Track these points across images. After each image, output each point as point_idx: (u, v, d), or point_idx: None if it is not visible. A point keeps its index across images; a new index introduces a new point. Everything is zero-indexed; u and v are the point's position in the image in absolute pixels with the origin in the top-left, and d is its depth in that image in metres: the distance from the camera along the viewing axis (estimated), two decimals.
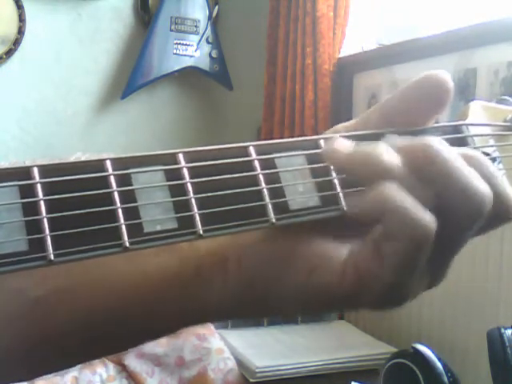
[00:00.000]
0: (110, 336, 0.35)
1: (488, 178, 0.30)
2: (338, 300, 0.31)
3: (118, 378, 1.40)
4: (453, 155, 0.29)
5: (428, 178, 0.29)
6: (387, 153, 0.29)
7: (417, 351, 1.06)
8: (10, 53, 2.10)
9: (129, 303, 0.34)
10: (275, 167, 0.31)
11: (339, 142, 0.31)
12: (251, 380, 1.40)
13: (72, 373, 1.34)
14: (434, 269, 0.31)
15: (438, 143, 0.29)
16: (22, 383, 0.36)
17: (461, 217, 0.29)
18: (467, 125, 0.36)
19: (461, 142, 0.35)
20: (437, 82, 0.32)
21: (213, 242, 0.32)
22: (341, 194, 0.31)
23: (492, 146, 0.37)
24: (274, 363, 1.41)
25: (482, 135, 0.36)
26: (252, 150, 0.30)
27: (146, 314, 0.34)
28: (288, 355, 1.47)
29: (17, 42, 2.10)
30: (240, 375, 1.42)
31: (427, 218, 0.28)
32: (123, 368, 1.42)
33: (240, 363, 1.44)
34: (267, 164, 0.31)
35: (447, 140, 0.35)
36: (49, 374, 0.36)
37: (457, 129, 0.36)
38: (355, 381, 1.28)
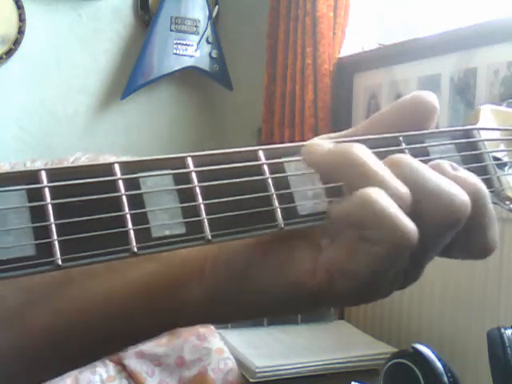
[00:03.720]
0: (104, 341, 0.35)
1: (479, 203, 0.31)
2: (311, 296, 0.31)
3: (117, 378, 1.40)
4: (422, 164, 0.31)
5: (406, 182, 0.29)
6: (370, 155, 0.30)
7: (417, 351, 1.06)
8: (10, 53, 2.10)
9: (109, 311, 0.34)
10: (284, 172, 0.30)
11: (316, 142, 0.31)
12: (251, 380, 1.40)
13: (72, 372, 1.34)
14: (408, 272, 0.31)
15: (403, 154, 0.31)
16: None
17: (436, 222, 0.29)
18: (478, 129, 0.36)
19: (472, 147, 0.35)
20: (425, 103, 0.33)
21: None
22: None
23: (503, 150, 0.37)
24: (273, 363, 1.41)
25: (492, 140, 0.36)
26: (261, 154, 0.30)
27: (126, 320, 0.34)
28: (288, 355, 1.47)
29: (17, 42, 2.10)
30: (240, 375, 1.42)
31: (410, 226, 0.28)
32: (123, 368, 1.42)
33: (240, 363, 1.44)
34: (276, 168, 0.30)
35: (458, 144, 0.35)
36: (48, 381, 0.36)
37: (467, 133, 0.36)
38: (355, 381, 1.28)
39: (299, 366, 1.42)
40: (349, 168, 0.29)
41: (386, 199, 0.28)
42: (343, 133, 0.35)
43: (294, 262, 0.31)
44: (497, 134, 0.37)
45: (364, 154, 0.30)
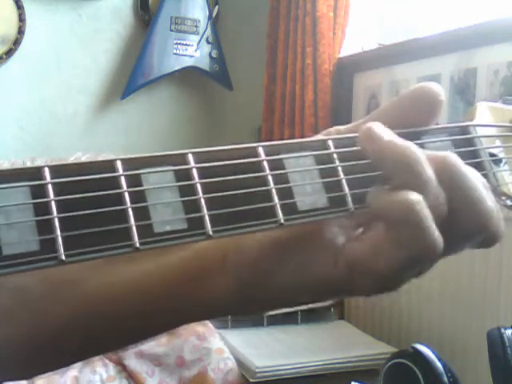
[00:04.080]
0: (109, 335, 0.35)
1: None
2: (330, 288, 0.32)
3: (117, 378, 1.40)
4: (471, 171, 0.31)
5: (448, 190, 0.30)
6: (426, 163, 0.30)
7: (417, 351, 1.06)
8: (10, 53, 2.10)
9: (127, 303, 0.34)
10: (284, 168, 0.31)
11: (379, 127, 0.31)
12: (251, 380, 1.40)
13: (72, 372, 1.34)
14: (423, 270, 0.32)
15: (457, 157, 0.31)
16: (22, 381, 0.35)
17: (466, 231, 0.30)
18: (474, 126, 0.37)
19: (468, 143, 0.36)
20: (431, 94, 0.33)
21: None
22: (349, 195, 0.31)
23: (498, 146, 0.37)
24: (273, 363, 1.41)
25: (488, 136, 0.37)
26: (261, 150, 0.31)
27: (143, 313, 0.34)
28: (288, 355, 1.47)
29: (17, 42, 2.10)
30: (240, 375, 1.42)
31: (439, 241, 0.29)
32: (123, 368, 1.42)
33: (240, 363, 1.44)
34: (276, 165, 0.31)
35: (455, 141, 0.35)
36: (47, 373, 0.36)
37: (464, 130, 0.36)
38: (355, 381, 1.28)
39: (299, 365, 1.43)
40: (405, 166, 0.30)
41: (427, 212, 0.29)
42: (346, 127, 0.35)
43: (316, 259, 0.31)
44: (493, 131, 0.38)
45: (420, 156, 0.30)
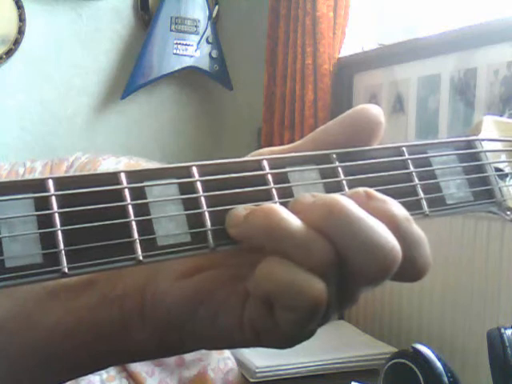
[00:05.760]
0: (34, 374, 0.34)
1: (403, 237, 0.29)
2: (241, 343, 0.31)
3: (117, 378, 1.40)
4: (355, 210, 0.28)
5: (326, 235, 0.28)
6: (285, 216, 0.28)
7: (417, 351, 1.06)
8: (9, 53, 2.10)
9: (48, 342, 0.33)
10: (288, 181, 0.31)
11: (237, 209, 0.30)
12: (251, 380, 1.40)
13: None
14: (338, 308, 0.30)
15: (340, 198, 0.28)
16: None
17: (364, 275, 0.28)
18: (480, 140, 0.37)
19: (473, 158, 0.36)
20: (370, 116, 0.32)
21: (130, 281, 0.32)
22: None
23: (504, 161, 0.37)
24: (273, 363, 1.41)
25: (494, 151, 0.37)
26: (265, 164, 0.31)
27: (67, 351, 0.33)
28: (288, 355, 1.47)
29: (17, 42, 2.10)
30: (240, 375, 1.42)
31: (317, 288, 0.27)
32: (123, 368, 1.42)
33: (240, 363, 1.44)
34: (280, 178, 0.31)
35: (460, 155, 0.35)
36: None
37: (469, 144, 0.36)
38: (355, 381, 1.28)
39: (299, 365, 1.42)
40: (269, 236, 0.28)
41: (288, 269, 0.27)
42: (285, 147, 0.33)
43: (224, 315, 0.30)
44: (498, 145, 0.38)
45: (279, 216, 0.28)
